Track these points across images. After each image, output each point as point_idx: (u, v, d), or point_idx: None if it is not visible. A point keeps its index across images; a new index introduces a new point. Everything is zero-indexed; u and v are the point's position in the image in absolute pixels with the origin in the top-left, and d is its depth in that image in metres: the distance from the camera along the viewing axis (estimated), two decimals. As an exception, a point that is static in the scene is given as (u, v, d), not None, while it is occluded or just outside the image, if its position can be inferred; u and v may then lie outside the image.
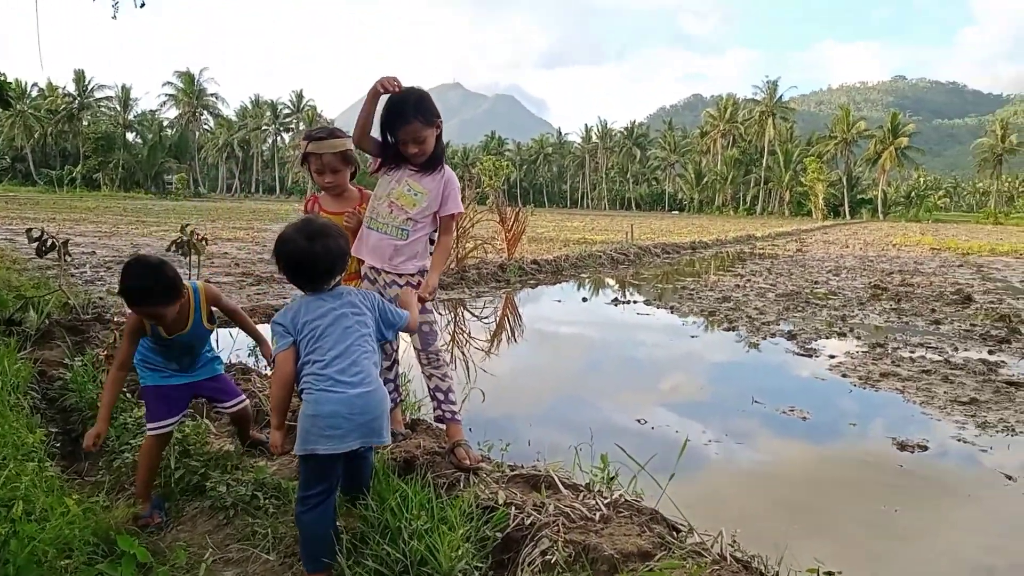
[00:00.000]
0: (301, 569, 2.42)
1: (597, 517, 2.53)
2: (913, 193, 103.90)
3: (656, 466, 2.92)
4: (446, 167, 3.27)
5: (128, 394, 4.02)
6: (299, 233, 2.41)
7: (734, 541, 2.52)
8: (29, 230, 6.55)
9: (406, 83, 3.11)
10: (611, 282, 13.51)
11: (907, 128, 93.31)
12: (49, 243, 6.55)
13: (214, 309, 3.07)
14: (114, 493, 3.13)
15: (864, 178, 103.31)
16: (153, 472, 3.02)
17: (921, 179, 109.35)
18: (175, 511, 3.01)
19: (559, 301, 10.85)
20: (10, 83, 6.30)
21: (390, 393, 3.42)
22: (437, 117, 3.16)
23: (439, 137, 3.22)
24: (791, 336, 7.65)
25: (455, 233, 3.38)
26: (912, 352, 6.93)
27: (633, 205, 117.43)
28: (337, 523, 2.45)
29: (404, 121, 3.08)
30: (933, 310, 9.78)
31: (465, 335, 7.64)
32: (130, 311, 2.87)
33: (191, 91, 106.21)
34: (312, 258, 2.38)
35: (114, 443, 3.52)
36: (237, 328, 3.51)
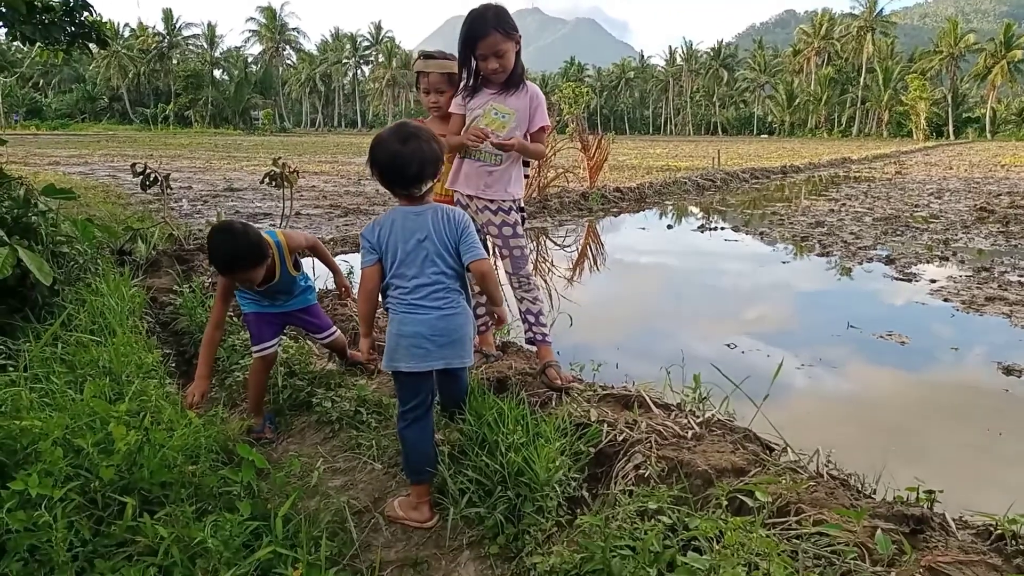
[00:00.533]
0: (404, 477, 2.55)
1: (689, 435, 2.56)
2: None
3: (748, 389, 2.90)
4: (528, 83, 3.22)
5: (235, 318, 4.24)
6: (392, 135, 2.40)
7: (829, 460, 2.51)
8: (133, 165, 6.86)
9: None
10: (696, 209, 13.22)
11: (1022, 40, 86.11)
12: (152, 177, 6.85)
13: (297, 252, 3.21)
14: (229, 408, 3.34)
15: (971, 95, 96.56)
16: (262, 390, 3.21)
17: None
18: (284, 425, 3.20)
19: (643, 228, 10.71)
20: (105, 23, 6.50)
21: (481, 317, 3.52)
22: (516, 31, 3.10)
23: (518, 54, 3.17)
24: (889, 261, 7.36)
25: (545, 149, 3.36)
26: (1021, 276, 6.57)
27: (719, 130, 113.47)
28: (436, 437, 2.56)
29: (483, 33, 3.05)
30: (1046, 233, 9.20)
31: (549, 263, 7.67)
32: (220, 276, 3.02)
33: (273, 26, 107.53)
34: (403, 160, 2.35)
35: (225, 363, 3.75)
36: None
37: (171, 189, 7.46)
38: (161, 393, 2.93)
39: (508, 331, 4.20)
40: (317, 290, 3.64)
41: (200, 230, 8.26)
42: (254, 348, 3.18)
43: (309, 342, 3.83)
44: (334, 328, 3.49)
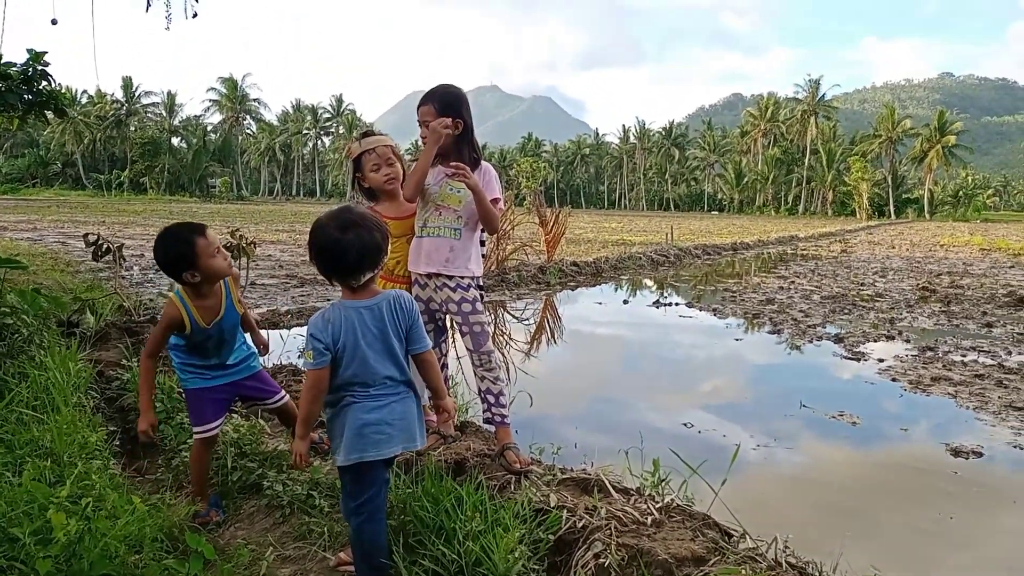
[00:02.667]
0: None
1: (649, 521, 2.54)
2: (961, 192, 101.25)
3: (705, 471, 2.91)
4: (483, 162, 3.34)
5: (183, 394, 4.13)
6: (332, 221, 2.31)
7: (787, 547, 2.51)
8: (86, 235, 6.76)
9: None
10: (651, 283, 13.44)
11: (954, 126, 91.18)
12: (104, 247, 6.75)
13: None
14: (175, 491, 3.23)
15: (910, 177, 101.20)
16: (206, 472, 3.09)
17: (969, 178, 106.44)
18: (233, 509, 3.09)
19: (600, 303, 10.83)
20: (64, 92, 6.49)
21: (439, 396, 3.48)
22: (455, 112, 3.21)
23: (469, 138, 3.29)
24: (838, 339, 7.54)
25: (499, 221, 3.44)
26: (964, 356, 6.78)
27: (672, 205, 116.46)
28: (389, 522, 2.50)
29: (422, 103, 3.26)
30: (984, 313, 9.55)
31: (507, 337, 7.68)
32: (168, 306, 2.93)
33: (234, 96, 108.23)
34: (341, 249, 2.26)
35: (172, 442, 3.63)
36: (284, 330, 3.59)
37: (123, 259, 7.34)
38: (105, 477, 2.82)
39: (466, 410, 4.17)
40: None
41: (151, 300, 8.10)
42: (198, 429, 3.03)
43: (262, 421, 3.74)
44: (283, 392, 3.38)
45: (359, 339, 2.31)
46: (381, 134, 3.50)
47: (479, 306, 3.30)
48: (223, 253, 2.98)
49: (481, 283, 3.40)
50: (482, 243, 3.51)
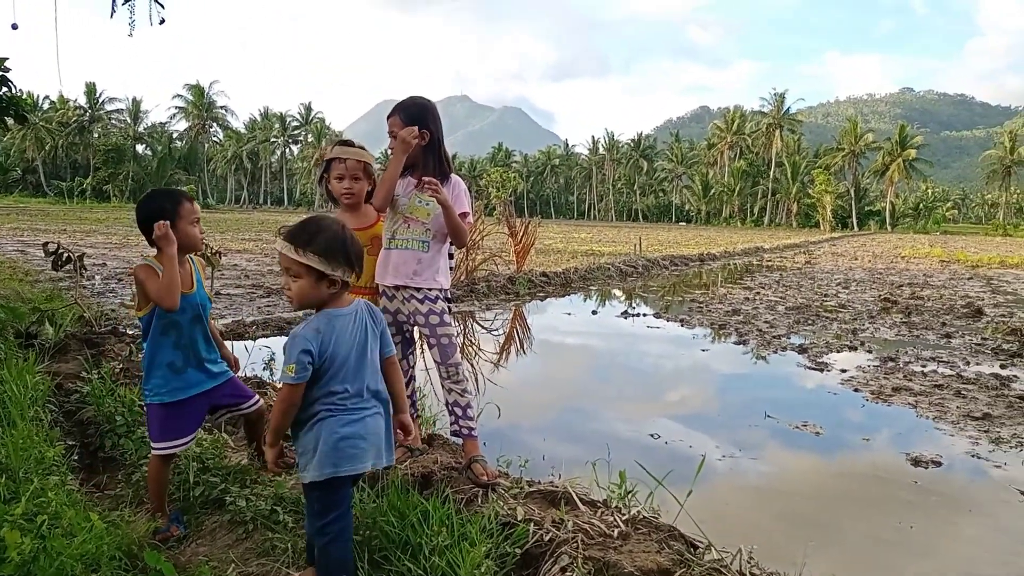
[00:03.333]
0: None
1: (616, 534, 2.55)
2: (921, 205, 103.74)
3: (671, 481, 2.93)
4: (452, 175, 3.37)
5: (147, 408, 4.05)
6: (328, 220, 2.38)
7: (752, 558, 2.53)
8: (46, 244, 6.62)
9: (413, 93, 3.28)
10: (620, 294, 13.52)
11: (915, 140, 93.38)
12: (65, 257, 6.62)
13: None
14: (135, 506, 3.16)
15: (872, 190, 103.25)
16: (165, 488, 3.00)
17: (929, 191, 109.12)
18: (194, 525, 3.03)
19: (569, 314, 10.86)
20: (25, 98, 6.37)
21: (412, 407, 3.47)
22: (422, 124, 3.23)
23: (438, 148, 3.31)
24: (802, 350, 7.65)
25: (468, 234, 3.44)
26: (924, 366, 6.92)
27: (640, 216, 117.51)
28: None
29: (391, 114, 3.29)
30: (944, 323, 9.76)
31: (476, 347, 7.66)
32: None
33: (201, 104, 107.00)
34: (348, 238, 2.32)
35: (132, 456, 3.55)
36: (250, 342, 3.54)
37: (84, 269, 7.20)
38: (62, 493, 2.75)
39: (434, 423, 4.16)
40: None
41: (113, 311, 7.95)
42: (157, 445, 2.91)
43: (225, 435, 3.68)
44: (256, 396, 3.31)
45: (346, 348, 2.31)
46: (361, 147, 3.49)
47: (447, 318, 3.30)
48: (200, 228, 3.00)
49: (449, 295, 3.40)
50: (450, 256, 3.51)
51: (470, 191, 3.53)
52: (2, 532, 2.10)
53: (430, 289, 3.27)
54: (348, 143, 3.46)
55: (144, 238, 2.88)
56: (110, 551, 2.34)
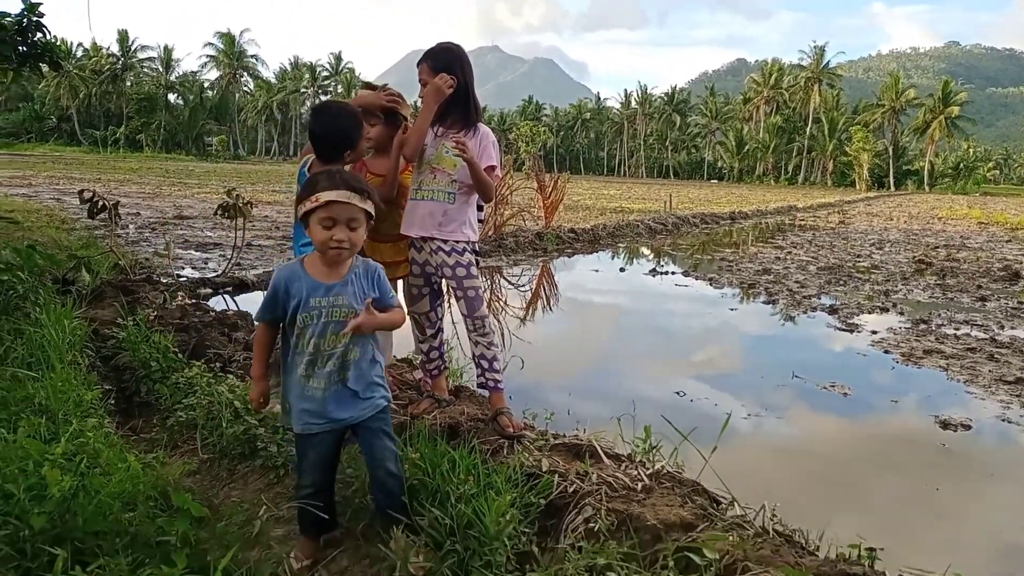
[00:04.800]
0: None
1: (639, 487, 2.57)
2: (962, 165, 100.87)
3: (696, 438, 2.94)
4: (480, 125, 3.28)
5: (179, 354, 4.14)
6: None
7: (775, 515, 2.54)
8: (81, 192, 6.71)
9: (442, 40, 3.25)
10: (648, 252, 13.43)
11: (959, 96, 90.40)
12: (100, 205, 6.70)
13: None
14: (169, 450, 3.25)
15: (911, 149, 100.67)
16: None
17: (971, 150, 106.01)
18: (227, 470, 3.11)
19: (596, 270, 10.83)
20: (59, 44, 6.39)
21: (434, 361, 3.50)
22: (451, 71, 3.18)
23: (468, 96, 3.24)
24: (833, 310, 7.56)
25: (495, 189, 3.37)
26: (957, 329, 6.81)
27: (671, 173, 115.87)
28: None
29: (420, 62, 3.24)
30: (979, 286, 9.57)
31: (503, 303, 7.69)
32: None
33: (231, 52, 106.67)
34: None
35: (167, 401, 3.64)
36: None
37: (119, 217, 7.30)
38: (100, 435, 2.83)
39: (461, 375, 4.19)
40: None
41: (147, 259, 8.08)
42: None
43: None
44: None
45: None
46: (383, 87, 3.49)
47: (474, 271, 3.28)
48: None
49: (477, 248, 3.38)
50: (480, 208, 3.48)
51: (499, 145, 3.46)
52: (43, 471, 2.17)
53: (457, 241, 3.24)
54: (370, 86, 3.48)
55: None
56: (146, 490, 2.41)
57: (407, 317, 3.31)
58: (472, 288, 3.27)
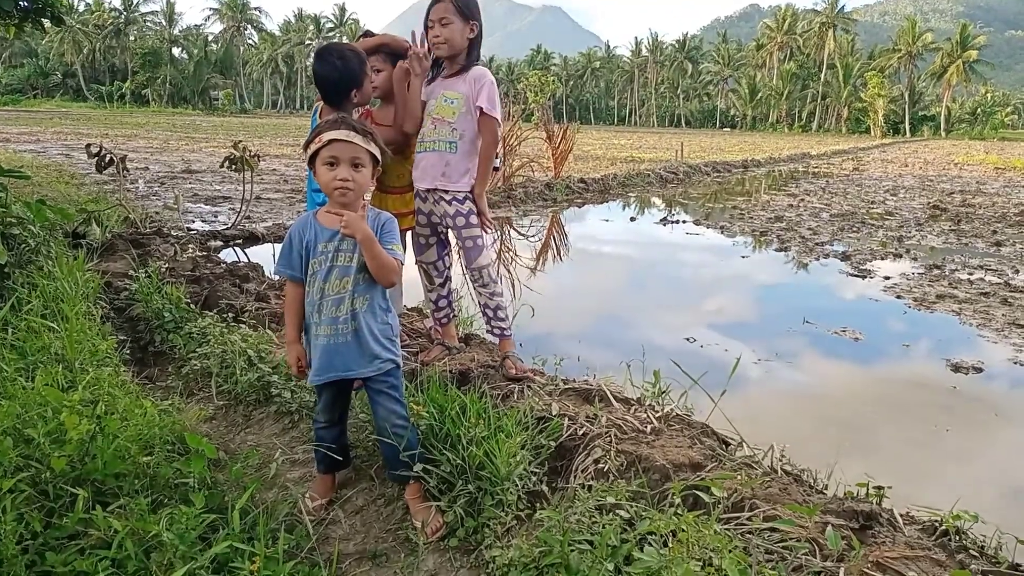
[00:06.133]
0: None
1: (648, 429, 2.59)
2: (979, 110, 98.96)
3: (705, 383, 2.95)
4: (476, 67, 3.16)
5: (192, 304, 4.17)
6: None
7: (783, 455, 2.57)
8: (88, 146, 6.70)
9: None
10: (659, 201, 13.33)
11: (977, 40, 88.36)
12: (108, 159, 6.69)
13: None
14: (185, 397, 3.30)
15: (927, 94, 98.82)
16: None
17: (988, 95, 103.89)
18: (243, 415, 3.16)
19: (607, 220, 10.77)
20: (60, 0, 6.30)
21: (443, 309, 3.51)
22: (470, 16, 3.09)
23: (473, 43, 3.14)
24: (845, 257, 7.52)
25: (497, 141, 3.23)
26: (971, 274, 6.76)
27: (683, 122, 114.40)
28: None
29: (435, 1, 3.07)
30: (994, 232, 9.48)
31: (512, 253, 7.68)
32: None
33: (235, 5, 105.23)
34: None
35: (181, 350, 3.68)
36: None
37: (127, 171, 7.29)
38: (116, 381, 2.88)
39: (471, 323, 4.21)
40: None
41: (157, 213, 8.10)
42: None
43: (269, 331, 3.78)
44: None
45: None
46: (378, 34, 3.44)
47: (473, 219, 3.22)
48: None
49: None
50: (497, 156, 3.40)
51: (506, 97, 3.35)
52: (62, 416, 2.21)
53: (459, 191, 3.20)
54: (369, 34, 3.43)
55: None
56: (163, 435, 2.45)
57: (415, 268, 3.32)
58: (470, 238, 3.23)
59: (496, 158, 3.36)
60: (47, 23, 6.43)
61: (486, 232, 3.23)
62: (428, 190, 3.24)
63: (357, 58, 3.09)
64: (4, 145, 18.48)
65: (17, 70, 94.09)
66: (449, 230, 3.35)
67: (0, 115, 45.80)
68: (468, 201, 3.22)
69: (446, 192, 3.20)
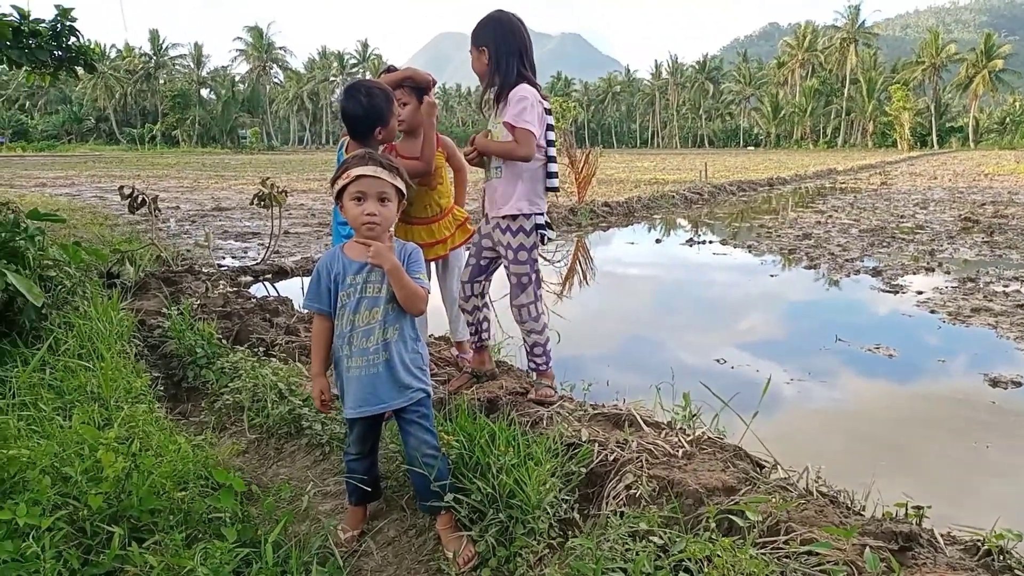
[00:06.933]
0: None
1: (680, 454, 2.57)
2: (1008, 119, 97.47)
3: (737, 404, 2.92)
4: (516, 87, 3.11)
5: (223, 340, 4.23)
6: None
7: (819, 477, 2.52)
8: (121, 188, 6.86)
9: (470, 24, 3.19)
10: (685, 222, 13.29)
11: (1002, 49, 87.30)
12: (140, 200, 6.85)
13: None
14: (218, 432, 3.33)
15: (954, 105, 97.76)
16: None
17: (1017, 104, 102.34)
18: (275, 448, 3.18)
19: (632, 243, 10.75)
20: (93, 47, 6.50)
21: (473, 336, 3.52)
22: (480, 42, 3.16)
23: (491, 65, 3.14)
24: (876, 272, 7.42)
25: (524, 148, 3.06)
26: (1006, 286, 6.63)
27: (706, 142, 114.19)
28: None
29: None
30: (1029, 242, 9.30)
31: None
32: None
33: (260, 45, 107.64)
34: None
35: (213, 386, 3.73)
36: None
37: (159, 211, 7.45)
38: (150, 418, 2.92)
39: (499, 350, 4.22)
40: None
41: (188, 250, 8.25)
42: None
43: (299, 364, 3.82)
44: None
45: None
46: (406, 70, 3.49)
47: (523, 255, 3.20)
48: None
49: (540, 221, 3.23)
50: (552, 175, 3.25)
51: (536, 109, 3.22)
52: (99, 454, 2.24)
53: (514, 217, 3.17)
54: (392, 69, 3.48)
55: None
56: (196, 470, 2.48)
57: (439, 297, 3.33)
58: (515, 274, 3.24)
59: (554, 178, 3.27)
60: (81, 70, 6.63)
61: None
62: (487, 217, 3.28)
63: (384, 95, 3.13)
64: (41, 189, 18.98)
65: (52, 117, 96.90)
66: (502, 259, 3.33)
67: (37, 160, 47.13)
68: (521, 234, 3.19)
69: (502, 219, 3.20)
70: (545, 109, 3.16)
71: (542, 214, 3.23)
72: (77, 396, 3.12)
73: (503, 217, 3.19)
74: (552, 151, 3.22)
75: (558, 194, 13.49)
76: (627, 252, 9.94)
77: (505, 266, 3.28)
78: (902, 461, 3.32)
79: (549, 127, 3.18)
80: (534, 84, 3.15)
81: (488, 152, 3.19)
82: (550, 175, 3.24)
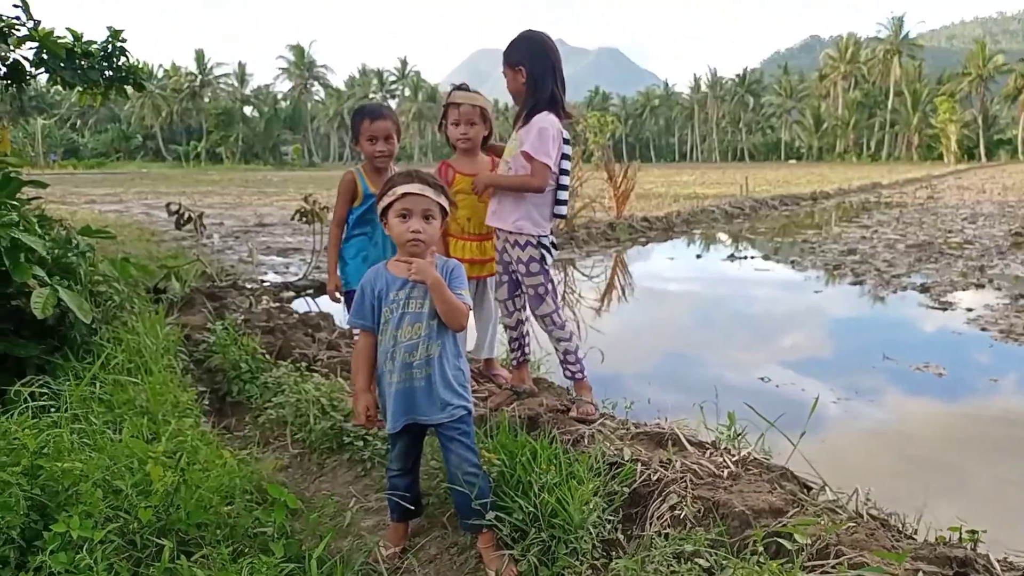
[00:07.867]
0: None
1: (725, 474, 2.52)
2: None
3: (783, 424, 2.86)
4: (541, 114, 3.13)
5: (267, 355, 4.29)
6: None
7: (869, 499, 2.46)
8: (168, 205, 7.03)
9: (506, 41, 3.25)
10: (725, 237, 13.15)
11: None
12: (186, 216, 7.00)
13: None
14: (262, 446, 3.37)
15: (1002, 117, 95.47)
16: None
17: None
18: (317, 464, 3.21)
19: (672, 258, 10.68)
20: (141, 67, 6.69)
21: (515, 351, 3.52)
22: (515, 62, 3.18)
23: (528, 85, 3.18)
24: (924, 289, 7.25)
25: (538, 181, 3.10)
26: (1061, 303, 6.43)
27: (746, 156, 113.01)
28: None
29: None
30: (1085, 257, 9.02)
31: (577, 295, 7.66)
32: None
33: (302, 63, 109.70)
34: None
35: (258, 400, 3.78)
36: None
37: (204, 227, 7.61)
38: (197, 432, 2.96)
39: (539, 367, 4.20)
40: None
41: (232, 266, 8.40)
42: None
43: (341, 379, 3.85)
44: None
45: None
46: (476, 92, 3.52)
47: (534, 268, 3.23)
48: (379, 145, 3.46)
49: (547, 242, 3.28)
50: (561, 202, 3.31)
51: (573, 140, 3.29)
52: (148, 468, 2.29)
53: (521, 234, 3.20)
54: (464, 87, 3.49)
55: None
56: (242, 485, 2.51)
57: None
58: (531, 286, 3.26)
59: (563, 205, 3.33)
60: (130, 89, 6.83)
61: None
62: (499, 229, 3.30)
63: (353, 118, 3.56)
64: (91, 206, 19.52)
65: (102, 135, 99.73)
66: (515, 272, 3.36)
67: (87, 178, 48.51)
68: (529, 247, 3.22)
69: (511, 234, 3.23)
70: (564, 140, 3.20)
71: (546, 236, 3.27)
72: (126, 410, 3.18)
73: (509, 232, 3.23)
74: (565, 180, 3.26)
75: (596, 210, 13.49)
76: (667, 267, 9.87)
77: (520, 280, 3.29)
78: (954, 483, 3.22)
79: (565, 156, 3.22)
80: (562, 105, 3.21)
81: (501, 186, 3.23)
82: (559, 202, 3.29)
